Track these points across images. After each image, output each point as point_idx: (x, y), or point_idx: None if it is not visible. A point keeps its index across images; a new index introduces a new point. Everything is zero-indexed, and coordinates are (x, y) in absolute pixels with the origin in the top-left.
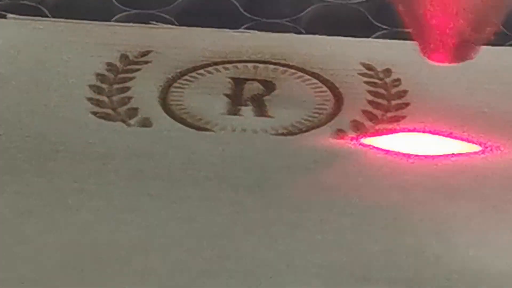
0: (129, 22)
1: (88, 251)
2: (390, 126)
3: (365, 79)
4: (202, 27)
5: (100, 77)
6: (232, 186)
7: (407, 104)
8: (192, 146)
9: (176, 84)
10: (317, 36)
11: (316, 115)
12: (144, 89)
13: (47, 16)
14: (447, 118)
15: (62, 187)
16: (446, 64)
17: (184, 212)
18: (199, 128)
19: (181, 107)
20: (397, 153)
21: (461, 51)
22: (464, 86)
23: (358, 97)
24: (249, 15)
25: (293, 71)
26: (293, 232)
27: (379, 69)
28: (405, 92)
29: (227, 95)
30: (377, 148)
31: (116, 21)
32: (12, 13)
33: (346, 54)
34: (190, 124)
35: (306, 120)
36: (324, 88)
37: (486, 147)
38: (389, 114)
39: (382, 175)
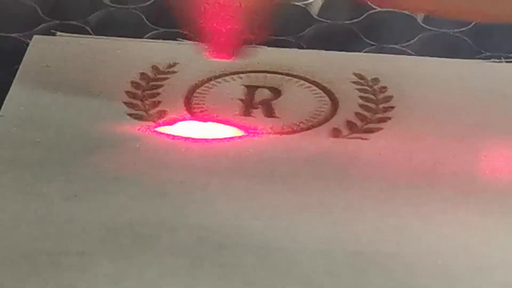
0: (159, 39)
1: (124, 228)
2: (378, 126)
3: (357, 86)
4: None
5: (135, 84)
6: (245, 175)
7: (392, 107)
8: (211, 142)
9: (198, 90)
10: (316, 50)
11: (316, 116)
12: (171, 95)
13: (90, 34)
14: (425, 118)
15: (103, 175)
16: (225, 61)
17: (205, 196)
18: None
19: (203, 110)
20: (384, 149)
21: (238, 50)
22: (440, 93)
23: (351, 101)
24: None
25: (296, 79)
26: (297, 213)
27: (368, 78)
28: (390, 97)
29: (241, 100)
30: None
31: (148, 38)
32: (61, 31)
33: (341, 66)
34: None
35: (307, 120)
36: (323, 94)
37: (457, 143)
38: (377, 116)
39: (371, 166)
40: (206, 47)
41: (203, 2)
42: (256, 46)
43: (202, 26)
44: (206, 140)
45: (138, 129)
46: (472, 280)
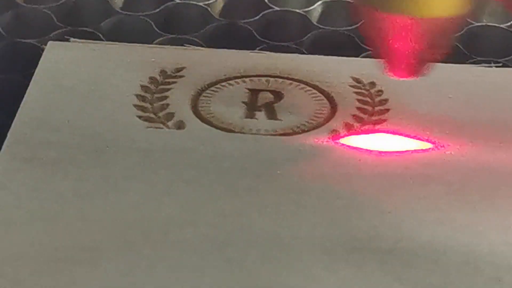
0: (166, 44)
1: (134, 225)
2: (374, 127)
3: (354, 90)
4: (225, 48)
5: (144, 88)
6: (248, 175)
7: (387, 110)
8: (217, 143)
9: (204, 94)
10: (316, 55)
11: (315, 118)
12: (179, 98)
13: (101, 40)
14: (419, 121)
15: (114, 175)
16: (405, 78)
17: (211, 195)
18: (223, 129)
19: (208, 112)
20: (380, 148)
21: (418, 68)
22: (432, 96)
23: (349, 104)
24: (262, 39)
25: (297, 83)
26: (297, 211)
27: (365, 82)
28: (386, 100)
29: (245, 103)
30: (364, 145)
31: (157, 43)
32: (74, 37)
33: (339, 70)
34: (216, 125)
35: (307, 122)
36: (322, 97)
37: (449, 144)
38: (373, 118)
39: (367, 166)
40: (391, 66)
41: (389, 23)
42: (435, 63)
43: (387, 45)
44: (211, 141)
45: (147, 131)
46: (462, 274)
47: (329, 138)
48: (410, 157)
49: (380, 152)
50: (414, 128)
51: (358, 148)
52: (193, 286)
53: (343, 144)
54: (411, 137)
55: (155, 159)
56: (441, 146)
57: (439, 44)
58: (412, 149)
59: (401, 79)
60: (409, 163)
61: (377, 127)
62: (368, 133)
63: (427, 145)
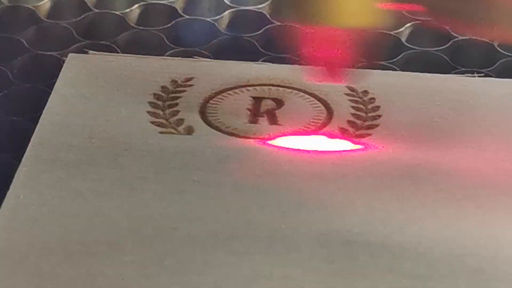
0: (177, 56)
1: (147, 221)
2: (367, 132)
3: (349, 97)
4: (230, 60)
5: (157, 96)
6: (252, 174)
7: (379, 116)
8: (223, 146)
9: (212, 101)
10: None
11: (313, 124)
12: (188, 105)
13: (117, 52)
14: (408, 125)
15: (129, 175)
16: (332, 84)
17: (218, 193)
18: (229, 133)
19: (215, 118)
20: (372, 151)
21: (343, 75)
22: (420, 103)
23: (344, 111)
24: (264, 51)
25: (296, 92)
26: (297, 208)
27: (359, 90)
28: (378, 107)
29: (248, 109)
30: (357, 148)
31: (168, 55)
32: (92, 50)
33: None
34: (222, 130)
35: (306, 127)
36: (319, 104)
37: (436, 147)
38: (366, 123)
39: (362, 166)
40: (316, 71)
41: (314, 32)
42: (359, 69)
43: (312, 53)
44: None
45: (159, 135)
46: (447, 265)
47: (326, 143)
48: (399, 159)
49: (373, 156)
50: (403, 132)
51: (352, 152)
52: (201, 276)
53: (338, 148)
54: (400, 143)
55: (166, 161)
56: (428, 150)
57: (360, 52)
58: (402, 153)
59: (325, 83)
60: (399, 164)
61: (371, 132)
62: (362, 139)
63: (415, 150)
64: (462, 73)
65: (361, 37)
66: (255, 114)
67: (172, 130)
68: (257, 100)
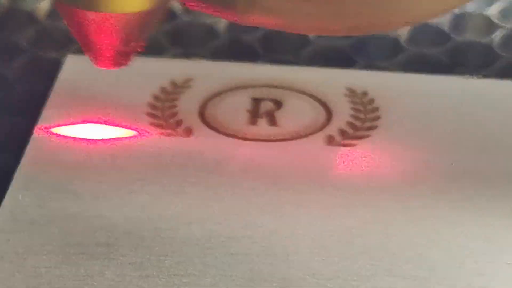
0: (176, 57)
1: (146, 222)
2: (366, 133)
3: (348, 99)
4: (229, 61)
5: (156, 97)
6: (251, 176)
7: (379, 117)
8: (222, 148)
9: (210, 103)
10: (313, 67)
11: (312, 125)
12: (187, 106)
13: None
14: (408, 126)
15: (127, 176)
16: (109, 69)
17: (216, 195)
18: (227, 135)
19: (214, 119)
20: (371, 153)
21: (118, 59)
22: (420, 104)
23: (343, 112)
24: (264, 53)
25: (296, 93)
26: (296, 209)
27: (358, 92)
28: (377, 108)
29: (247, 111)
30: (355, 150)
31: (167, 56)
32: None
33: (335, 81)
34: (221, 131)
35: (305, 128)
36: (318, 106)
37: (435, 147)
38: (365, 124)
39: (361, 167)
40: (95, 58)
41: (87, 20)
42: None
43: (89, 40)
44: (216, 146)
45: (159, 136)
46: (446, 267)
47: (326, 145)
48: (399, 160)
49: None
50: (403, 133)
51: (350, 153)
52: (200, 278)
53: (337, 150)
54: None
55: (165, 162)
56: (428, 151)
57: (135, 38)
58: (401, 154)
59: (105, 69)
60: (398, 165)
61: (371, 134)
62: (361, 140)
63: (415, 151)
64: (461, 74)
65: None
66: (254, 116)
67: (171, 132)
68: (256, 101)
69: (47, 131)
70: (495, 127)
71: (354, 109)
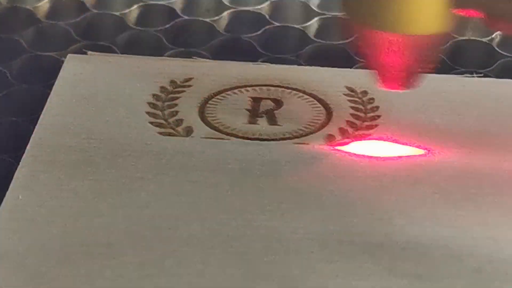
0: (176, 57)
1: (146, 222)
2: (366, 132)
3: (348, 98)
4: (230, 60)
5: (156, 96)
6: (251, 176)
7: (378, 116)
8: (222, 146)
9: (211, 102)
10: (313, 67)
11: (313, 124)
12: (187, 105)
13: (116, 53)
14: (407, 126)
15: (128, 176)
16: (398, 90)
17: (216, 194)
18: (227, 134)
19: (214, 118)
20: (371, 152)
21: (407, 81)
22: (420, 104)
23: (343, 111)
24: (264, 52)
25: (296, 92)
26: (296, 208)
27: (358, 91)
28: (377, 107)
29: (248, 110)
30: (357, 149)
31: (167, 56)
32: (91, 50)
33: (334, 80)
34: (221, 130)
35: (305, 127)
36: (319, 105)
37: (435, 147)
38: (365, 123)
39: (360, 167)
40: (383, 78)
41: (379, 39)
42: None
43: (378, 60)
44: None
45: (158, 136)
46: (447, 265)
47: (326, 144)
48: (398, 159)
49: (372, 156)
50: (402, 132)
51: (351, 152)
52: (200, 277)
53: (338, 149)
54: (399, 143)
55: (165, 161)
56: (427, 150)
57: (425, 59)
58: (401, 153)
59: (392, 90)
60: (398, 164)
61: (371, 132)
62: (361, 139)
63: (415, 150)
64: (462, 73)
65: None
66: (254, 115)
67: (171, 131)
68: (256, 100)
69: (48, 131)
70: (494, 126)
71: (354, 108)
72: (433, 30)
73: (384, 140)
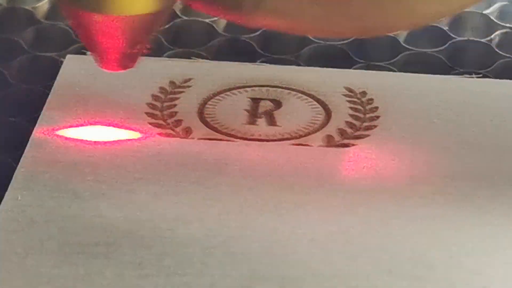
0: (175, 57)
1: (145, 222)
2: (365, 133)
3: (347, 98)
4: (229, 61)
5: (155, 97)
6: (250, 176)
7: (378, 117)
8: (221, 147)
9: (210, 102)
10: (312, 67)
11: (312, 125)
12: (186, 106)
13: None
14: (406, 126)
15: (127, 176)
16: (115, 71)
17: (216, 194)
18: (226, 134)
19: (213, 119)
20: (370, 152)
21: (123, 61)
22: (419, 104)
23: (342, 111)
24: (263, 52)
25: (295, 93)
26: (296, 210)
27: (357, 91)
28: (376, 108)
29: (246, 110)
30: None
31: (166, 56)
32: None
33: (333, 81)
34: (220, 131)
35: (304, 128)
36: (317, 105)
37: (433, 147)
38: (364, 124)
39: (360, 167)
40: (101, 60)
41: (94, 22)
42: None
43: (95, 42)
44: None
45: (158, 136)
46: (446, 267)
47: (325, 144)
48: (398, 160)
49: (371, 156)
50: (402, 133)
51: (350, 152)
52: (200, 278)
53: (337, 149)
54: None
55: (164, 162)
56: (426, 149)
57: (140, 39)
58: (399, 154)
59: (111, 71)
60: (397, 165)
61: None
62: (358, 139)
63: (413, 150)
64: (461, 74)
65: None
66: (253, 115)
67: (170, 131)
68: (255, 101)
69: (47, 132)
70: (494, 127)
71: (353, 108)
72: (144, 11)
73: (383, 141)
